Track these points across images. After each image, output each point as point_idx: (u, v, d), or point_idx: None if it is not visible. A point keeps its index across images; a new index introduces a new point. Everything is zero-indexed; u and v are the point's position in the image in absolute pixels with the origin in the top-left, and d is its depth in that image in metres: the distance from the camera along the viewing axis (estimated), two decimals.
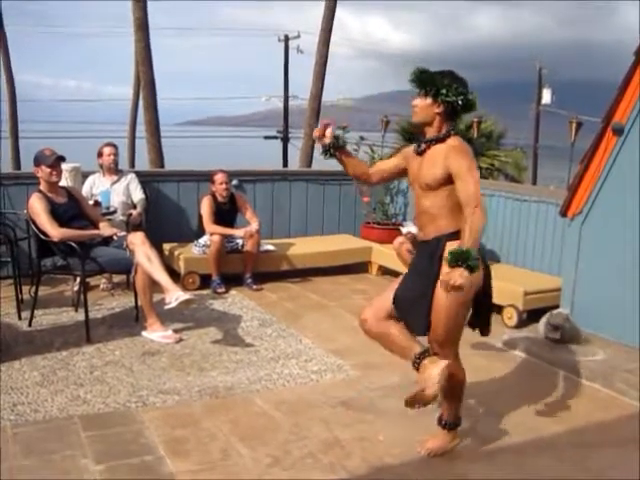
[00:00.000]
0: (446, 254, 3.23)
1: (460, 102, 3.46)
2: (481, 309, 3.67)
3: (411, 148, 3.72)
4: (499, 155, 16.16)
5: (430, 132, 3.54)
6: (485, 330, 3.79)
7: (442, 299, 3.37)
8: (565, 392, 4.69)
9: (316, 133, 3.84)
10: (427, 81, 3.48)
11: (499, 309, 6.14)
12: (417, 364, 3.49)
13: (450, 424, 3.71)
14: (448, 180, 3.40)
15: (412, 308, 3.54)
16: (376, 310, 3.68)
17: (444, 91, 3.44)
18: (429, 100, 3.49)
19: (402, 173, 3.86)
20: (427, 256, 3.53)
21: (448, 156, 3.41)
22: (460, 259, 3.14)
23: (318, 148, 3.95)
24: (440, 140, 3.50)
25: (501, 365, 5.14)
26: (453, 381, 3.55)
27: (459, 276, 3.12)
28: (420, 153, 3.58)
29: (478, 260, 3.19)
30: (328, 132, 3.79)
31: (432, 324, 3.46)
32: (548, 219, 6.80)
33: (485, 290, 3.59)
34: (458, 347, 3.61)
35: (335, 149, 3.81)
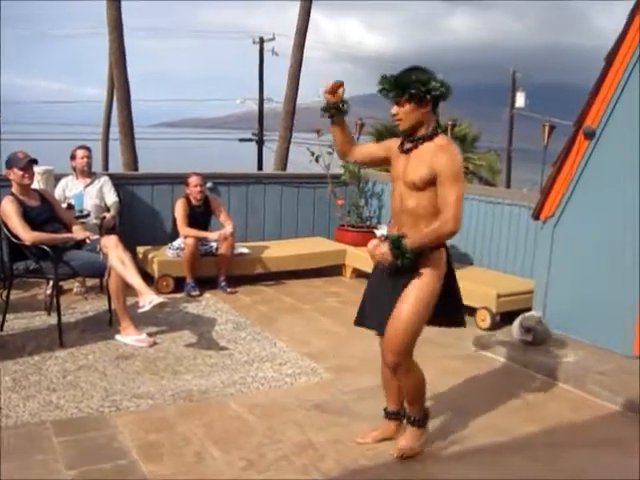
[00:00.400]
0: (391, 233, 3.39)
1: (444, 90, 3.40)
2: (448, 309, 3.66)
3: (395, 142, 3.66)
4: (473, 158, 16.29)
5: (420, 132, 3.47)
6: (458, 323, 3.80)
7: (404, 309, 3.42)
8: (538, 393, 4.74)
9: (327, 86, 3.62)
10: (407, 84, 3.37)
11: (472, 311, 6.18)
12: (388, 417, 3.86)
13: (419, 420, 3.72)
14: (435, 180, 3.38)
15: (378, 311, 3.58)
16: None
17: (431, 86, 3.36)
18: (412, 103, 3.40)
19: (379, 162, 3.90)
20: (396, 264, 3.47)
21: (436, 155, 3.37)
22: (399, 249, 3.33)
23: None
24: (428, 138, 3.45)
25: (474, 367, 5.17)
26: (412, 385, 3.61)
27: (385, 257, 3.38)
28: (407, 151, 3.53)
29: (409, 260, 3.33)
30: (341, 91, 3.64)
31: (388, 333, 3.48)
32: (521, 222, 6.86)
33: (449, 290, 3.60)
34: (411, 355, 3.57)
35: (337, 111, 3.68)
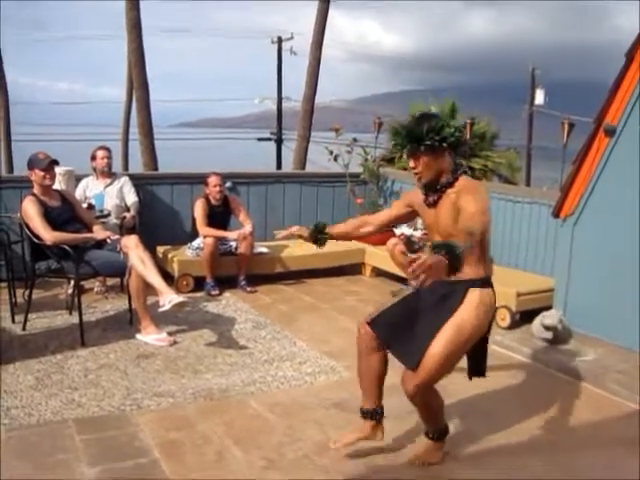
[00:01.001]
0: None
1: (459, 135, 3.32)
2: (478, 354, 3.58)
3: (417, 196, 3.56)
4: (492, 156, 16.20)
5: (440, 180, 3.37)
6: (481, 373, 3.71)
7: (440, 344, 3.24)
8: (557, 392, 4.71)
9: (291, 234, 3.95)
10: (420, 135, 3.28)
11: None
12: (364, 416, 3.63)
13: (437, 436, 3.63)
14: None
15: (409, 342, 3.39)
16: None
17: (446, 134, 3.27)
18: (429, 156, 3.30)
19: (405, 220, 3.83)
20: (441, 296, 3.37)
21: (459, 197, 3.26)
22: (446, 250, 2.80)
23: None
24: (449, 185, 3.35)
25: (493, 366, 5.14)
26: (430, 409, 3.52)
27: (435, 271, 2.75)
28: (433, 204, 3.41)
29: (459, 259, 2.81)
30: (296, 232, 3.96)
31: (419, 364, 3.29)
32: (541, 220, 6.83)
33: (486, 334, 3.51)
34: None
35: (321, 235, 3.89)
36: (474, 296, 3.34)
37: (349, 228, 3.92)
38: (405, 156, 3.43)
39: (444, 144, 3.29)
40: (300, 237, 3.97)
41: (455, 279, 3.13)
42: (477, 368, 3.66)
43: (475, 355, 3.57)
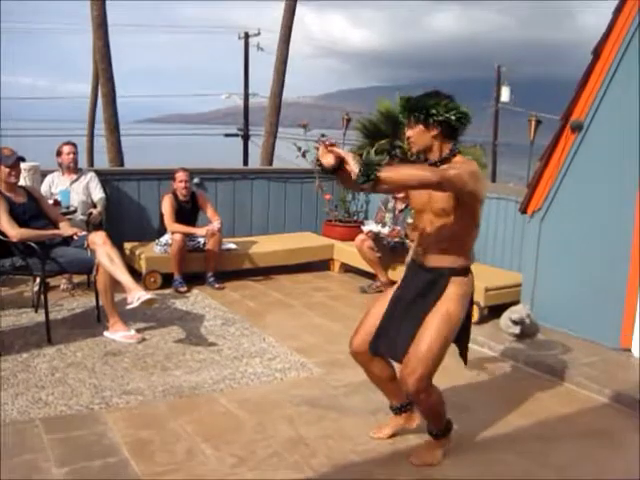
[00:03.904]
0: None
1: (453, 118, 3.32)
2: (463, 337, 3.64)
3: None
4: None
5: (433, 156, 3.40)
6: (464, 356, 3.77)
7: (429, 335, 3.31)
8: (526, 386, 4.75)
9: (322, 151, 3.09)
10: (414, 108, 3.35)
11: None
12: (395, 412, 3.83)
13: (440, 434, 3.65)
14: (462, 201, 3.28)
15: (397, 335, 3.46)
16: (363, 337, 3.61)
17: (434, 111, 3.30)
18: (421, 126, 3.36)
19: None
20: (422, 287, 3.45)
21: (453, 167, 3.27)
22: (367, 165, 2.94)
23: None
24: (445, 161, 3.36)
25: (461, 361, 5.18)
26: (431, 406, 3.52)
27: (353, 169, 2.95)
28: None
29: (372, 176, 2.91)
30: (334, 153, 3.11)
31: (412, 359, 3.33)
32: (508, 216, 6.89)
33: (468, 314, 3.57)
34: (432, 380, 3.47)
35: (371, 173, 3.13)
36: (457, 286, 3.41)
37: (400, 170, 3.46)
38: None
39: (431, 120, 3.32)
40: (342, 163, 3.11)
41: (438, 266, 3.40)
42: (462, 351, 3.75)
43: (461, 338, 3.64)
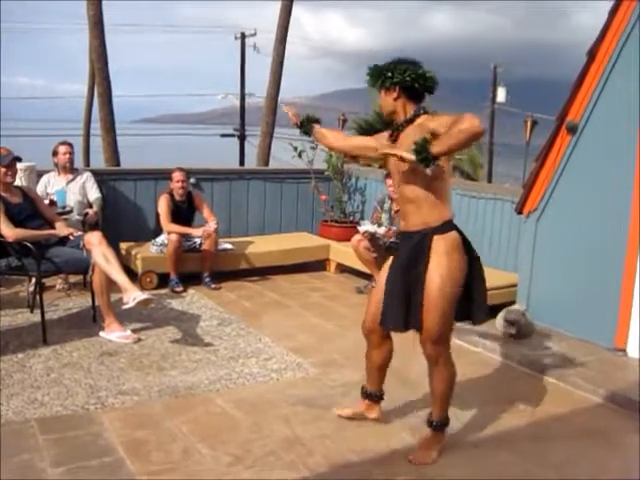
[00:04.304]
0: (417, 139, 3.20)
1: (408, 79, 3.49)
2: (474, 295, 3.65)
3: (385, 135, 3.75)
4: None
5: (398, 118, 3.60)
6: (482, 319, 3.82)
7: (432, 295, 3.41)
8: (521, 386, 4.77)
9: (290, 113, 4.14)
10: (373, 74, 3.60)
11: None
12: (363, 396, 4.01)
13: (441, 425, 3.69)
14: None
15: (396, 306, 3.54)
16: (373, 316, 3.72)
17: (389, 74, 3.52)
18: (382, 91, 3.59)
19: (371, 151, 3.94)
20: (410, 251, 3.53)
21: (422, 127, 3.40)
22: (421, 150, 3.14)
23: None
24: (409, 122, 3.54)
25: (458, 361, 5.17)
26: (447, 378, 3.61)
27: (407, 156, 3.21)
28: (394, 141, 3.60)
29: (430, 157, 3.14)
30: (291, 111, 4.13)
31: (424, 323, 3.46)
32: (504, 216, 6.90)
33: (474, 276, 3.60)
34: (450, 343, 3.61)
35: (308, 123, 4.05)
36: (440, 244, 3.46)
37: (329, 134, 4.09)
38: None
39: (387, 82, 3.55)
40: (291, 115, 4.15)
41: (418, 229, 3.49)
42: (483, 312, 3.76)
43: (478, 298, 3.67)
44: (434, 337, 3.46)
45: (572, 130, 5.50)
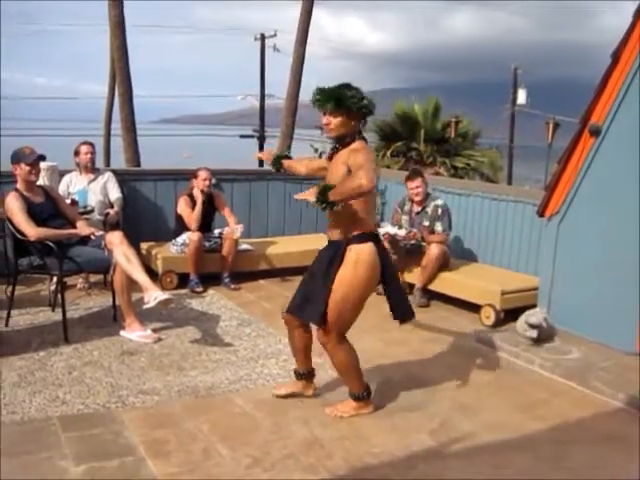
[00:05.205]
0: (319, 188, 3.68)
1: (355, 105, 3.80)
2: (396, 297, 4.13)
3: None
4: (475, 155, 16.24)
5: (344, 139, 3.92)
6: (407, 317, 4.23)
7: (334, 298, 3.87)
8: (541, 390, 4.73)
9: (266, 158, 4.69)
10: (340, 99, 3.80)
11: (476, 308, 6.20)
12: (297, 377, 4.42)
13: (360, 396, 4.14)
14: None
15: (308, 303, 4.00)
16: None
17: (363, 104, 3.83)
18: (344, 117, 3.84)
19: (322, 173, 4.26)
20: (328, 257, 3.94)
21: (349, 157, 3.76)
22: (322, 195, 3.64)
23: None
24: (346, 144, 3.88)
25: (478, 364, 5.17)
26: (341, 365, 4.10)
27: (310, 196, 3.72)
28: (329, 159, 4.03)
29: (327, 202, 3.64)
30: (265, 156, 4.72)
31: (328, 319, 3.92)
32: (525, 218, 6.86)
33: (388, 274, 4.05)
34: (343, 334, 4.04)
35: (279, 162, 4.55)
36: (351, 254, 3.87)
37: (296, 165, 4.56)
38: (322, 113, 3.92)
39: (357, 110, 3.84)
40: (263, 158, 4.76)
41: (336, 239, 3.93)
42: (401, 312, 4.19)
43: (394, 299, 4.14)
44: (326, 328, 3.95)
45: (595, 133, 5.46)
